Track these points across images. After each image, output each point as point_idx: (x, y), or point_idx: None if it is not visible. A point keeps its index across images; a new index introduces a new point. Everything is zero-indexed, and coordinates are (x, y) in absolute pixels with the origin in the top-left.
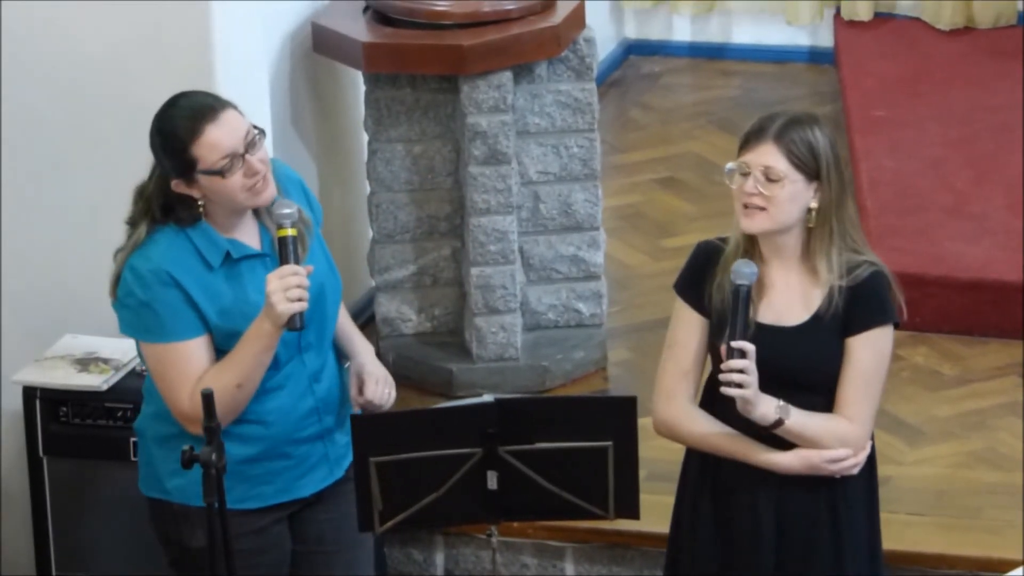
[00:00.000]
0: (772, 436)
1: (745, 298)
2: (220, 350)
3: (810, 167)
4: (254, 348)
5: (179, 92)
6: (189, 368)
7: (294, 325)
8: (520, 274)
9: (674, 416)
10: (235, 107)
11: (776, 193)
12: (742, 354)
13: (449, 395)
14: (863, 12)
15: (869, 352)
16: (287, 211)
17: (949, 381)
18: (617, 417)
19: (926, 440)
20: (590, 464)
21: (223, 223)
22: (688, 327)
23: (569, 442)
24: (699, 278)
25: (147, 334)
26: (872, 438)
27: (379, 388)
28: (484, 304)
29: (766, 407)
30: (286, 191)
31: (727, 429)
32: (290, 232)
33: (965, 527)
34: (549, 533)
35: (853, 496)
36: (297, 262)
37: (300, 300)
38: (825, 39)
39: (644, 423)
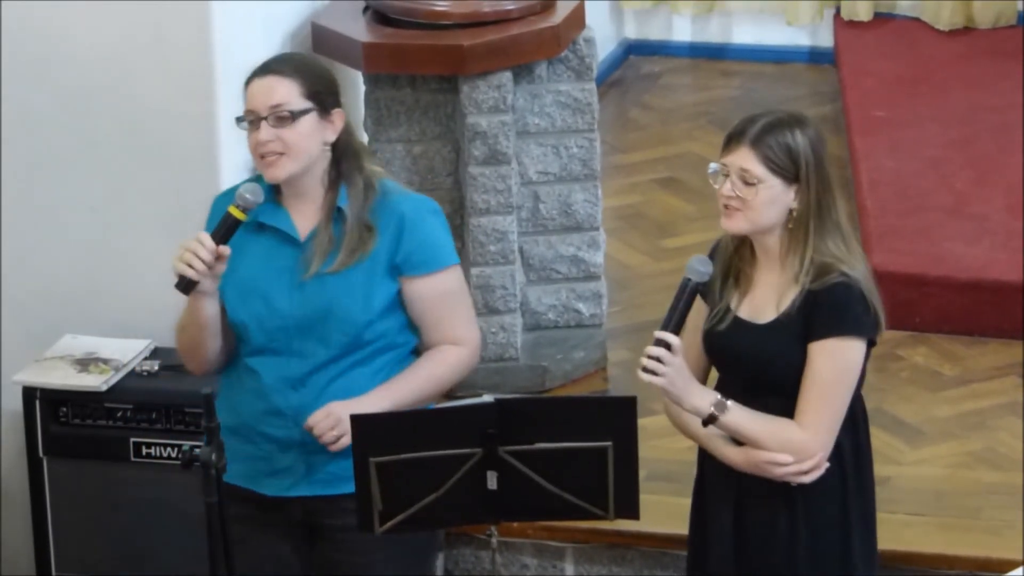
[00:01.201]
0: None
1: (690, 292)
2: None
3: (788, 171)
4: (189, 300)
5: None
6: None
7: (178, 284)
8: (520, 274)
9: (668, 402)
10: (300, 81)
11: (751, 196)
12: (668, 345)
13: (449, 395)
14: (863, 12)
15: (827, 362)
16: (248, 197)
17: (949, 381)
18: (617, 417)
19: (926, 440)
20: (590, 464)
21: (284, 190)
22: (696, 316)
23: (569, 442)
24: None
25: None
26: (863, 446)
27: (323, 418)
28: (484, 304)
29: (699, 401)
30: (375, 211)
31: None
32: (235, 214)
33: (965, 527)
34: (549, 533)
35: (816, 508)
36: (221, 242)
37: (189, 266)
38: (825, 39)
39: (644, 423)
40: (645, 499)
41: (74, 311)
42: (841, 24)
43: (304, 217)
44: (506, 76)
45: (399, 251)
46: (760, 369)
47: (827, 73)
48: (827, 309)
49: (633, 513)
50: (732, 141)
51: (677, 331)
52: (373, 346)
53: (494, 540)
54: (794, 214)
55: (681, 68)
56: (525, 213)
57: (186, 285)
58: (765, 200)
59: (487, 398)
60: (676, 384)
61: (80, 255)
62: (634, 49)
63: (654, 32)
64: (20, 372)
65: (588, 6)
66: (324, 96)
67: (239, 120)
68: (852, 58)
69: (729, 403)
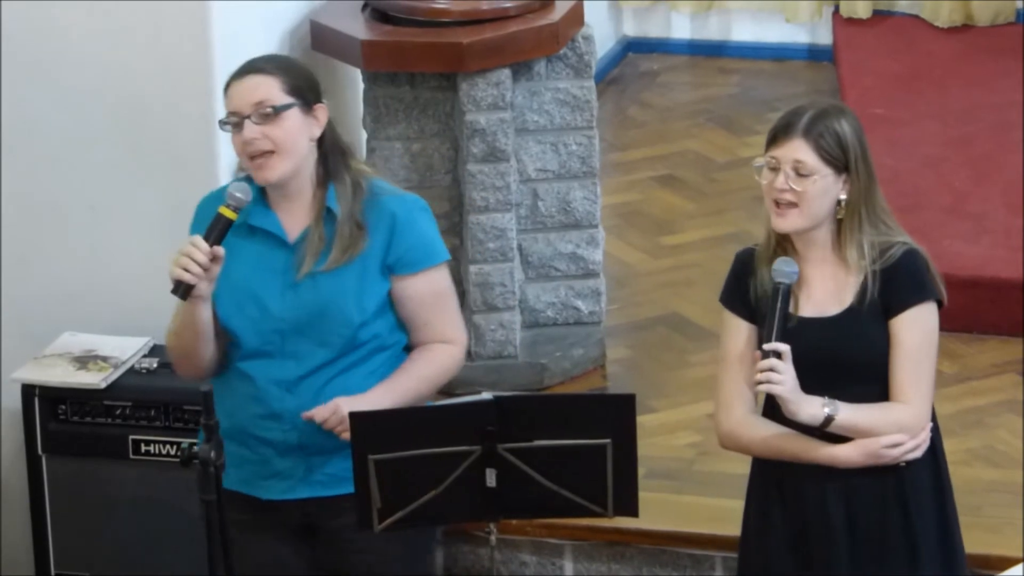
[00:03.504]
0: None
1: (785, 296)
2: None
3: (839, 160)
4: (178, 308)
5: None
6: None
7: (175, 290)
8: (519, 272)
9: (734, 427)
10: (281, 78)
11: (807, 188)
12: (777, 355)
13: (448, 392)
14: (862, 10)
15: (913, 331)
16: (237, 195)
17: (948, 379)
18: (616, 415)
19: None
20: (589, 462)
21: (271, 192)
22: (737, 336)
23: (568, 440)
24: (742, 286)
25: None
26: (935, 422)
27: (330, 415)
28: (483, 302)
29: (812, 407)
30: (365, 210)
31: (786, 430)
32: (226, 214)
33: (964, 525)
34: (548, 531)
35: (920, 483)
36: (215, 243)
37: (186, 271)
38: (824, 37)
39: (643, 420)
40: (644, 496)
41: (73, 309)
42: (840, 21)
43: (293, 218)
44: (505, 74)
45: (391, 251)
46: (840, 360)
47: (826, 71)
48: (903, 280)
49: (632, 510)
50: (782, 134)
51: (781, 337)
52: (367, 347)
53: (493, 537)
54: (843, 204)
55: (680, 66)
56: (524, 210)
57: (184, 290)
58: (819, 191)
59: (486, 395)
60: (796, 392)
61: (79, 253)
62: (633, 47)
63: (653, 30)
64: (19, 370)
65: (587, 4)
66: (305, 91)
67: (222, 123)
68: (851, 56)
69: (838, 403)
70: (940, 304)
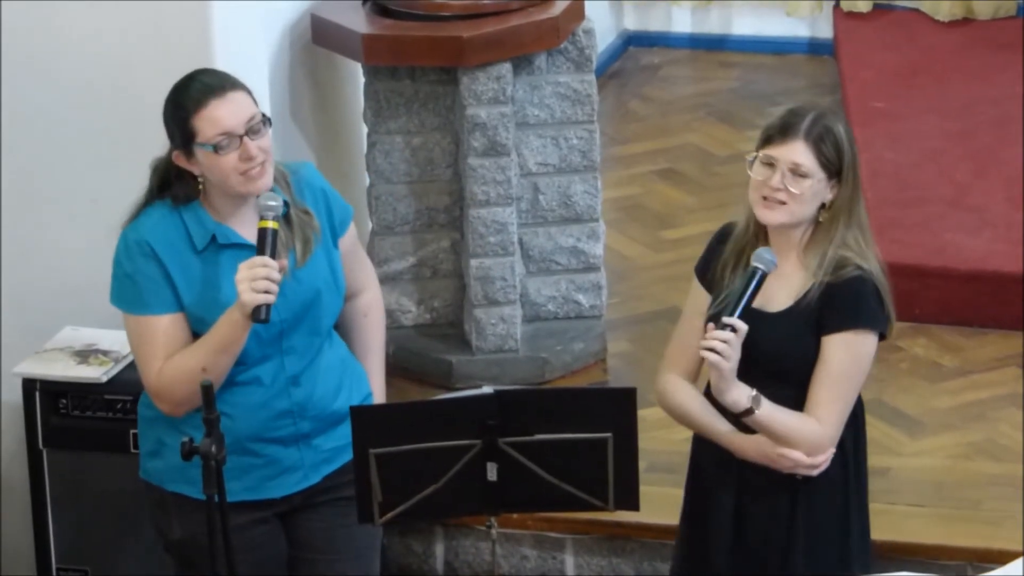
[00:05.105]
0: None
1: (757, 282)
2: (195, 333)
3: (834, 165)
4: (221, 334)
5: (201, 69)
6: (160, 343)
7: (259, 317)
8: (519, 266)
9: (663, 386)
10: (247, 91)
11: (803, 190)
12: (733, 330)
13: (449, 387)
14: (862, 4)
15: (840, 355)
16: (271, 203)
17: (949, 372)
18: (617, 409)
19: (926, 431)
20: (590, 456)
21: (220, 208)
22: (695, 303)
23: (569, 434)
24: (711, 257)
25: (126, 305)
26: (864, 436)
27: None
28: (483, 296)
29: (739, 393)
30: (300, 194)
31: (704, 404)
32: (270, 225)
33: (964, 518)
34: (549, 525)
35: (820, 495)
36: (273, 256)
37: (267, 292)
38: (824, 31)
39: (644, 414)
40: (645, 490)
41: (74, 303)
42: (840, 15)
43: (244, 224)
44: (505, 68)
45: (333, 220)
46: (771, 357)
47: (827, 64)
48: (843, 302)
49: (633, 504)
50: (780, 135)
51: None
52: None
53: (494, 531)
54: (827, 208)
55: (680, 59)
56: (525, 204)
57: (267, 311)
58: (811, 193)
59: (487, 389)
60: (732, 374)
61: (80, 248)
62: (633, 40)
63: (654, 23)
64: (20, 364)
65: None
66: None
67: (216, 147)
68: (852, 49)
69: (764, 399)
70: (882, 336)
